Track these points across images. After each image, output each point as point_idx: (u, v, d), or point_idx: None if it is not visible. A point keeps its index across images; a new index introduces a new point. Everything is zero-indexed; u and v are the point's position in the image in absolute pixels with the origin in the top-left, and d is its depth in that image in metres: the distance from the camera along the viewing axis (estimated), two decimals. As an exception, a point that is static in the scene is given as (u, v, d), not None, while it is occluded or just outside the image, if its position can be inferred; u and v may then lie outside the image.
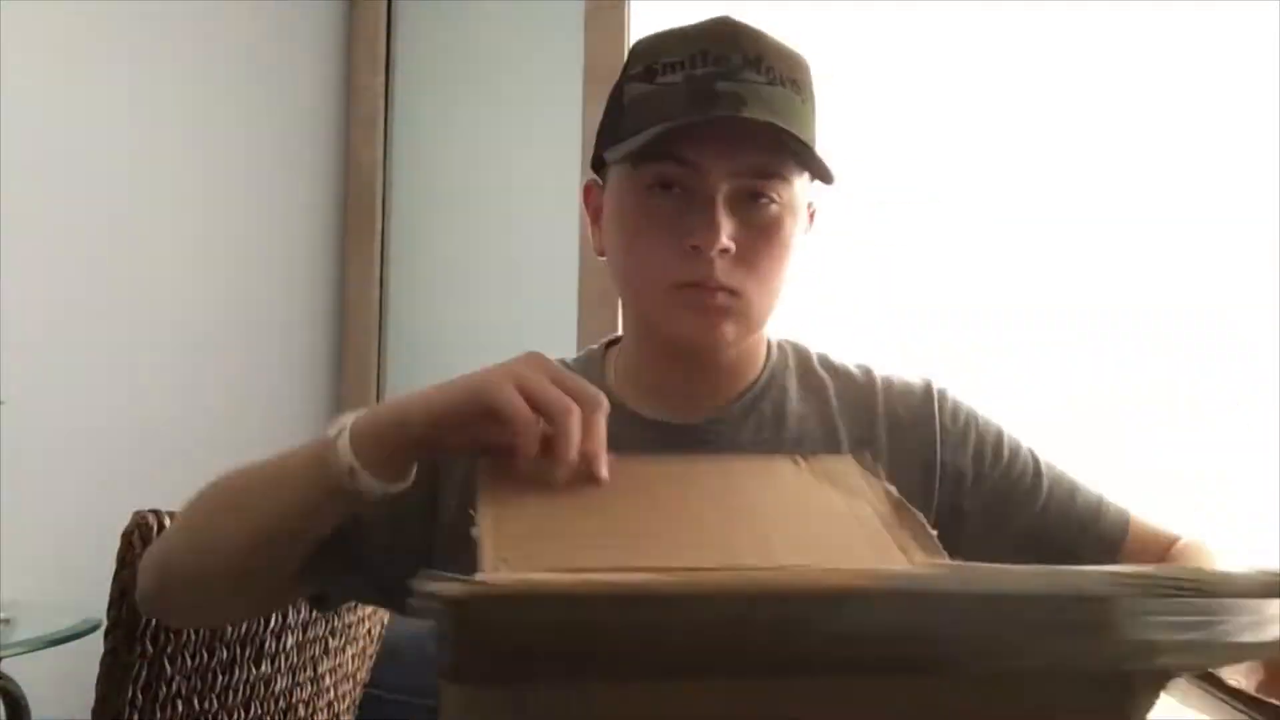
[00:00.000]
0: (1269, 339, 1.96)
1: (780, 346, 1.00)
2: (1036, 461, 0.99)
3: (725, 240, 0.84)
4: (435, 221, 2.81)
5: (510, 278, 2.65)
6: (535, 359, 0.77)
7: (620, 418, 0.91)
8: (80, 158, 2.24)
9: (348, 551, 0.88)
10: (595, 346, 1.02)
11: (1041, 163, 2.16)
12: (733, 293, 0.87)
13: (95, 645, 1.14)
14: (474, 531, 0.65)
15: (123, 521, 1.10)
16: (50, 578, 2.01)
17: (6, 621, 1.73)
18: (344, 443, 0.77)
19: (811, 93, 0.91)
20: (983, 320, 2.14)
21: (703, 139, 0.85)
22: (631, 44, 0.93)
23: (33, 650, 1.65)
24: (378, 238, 2.82)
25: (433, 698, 0.96)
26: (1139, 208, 2.10)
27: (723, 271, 0.85)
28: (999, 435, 0.99)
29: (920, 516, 0.68)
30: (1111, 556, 0.95)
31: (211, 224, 2.52)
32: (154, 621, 1.05)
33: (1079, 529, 0.97)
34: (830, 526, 0.69)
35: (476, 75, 2.76)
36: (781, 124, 0.84)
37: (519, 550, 0.62)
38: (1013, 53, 2.20)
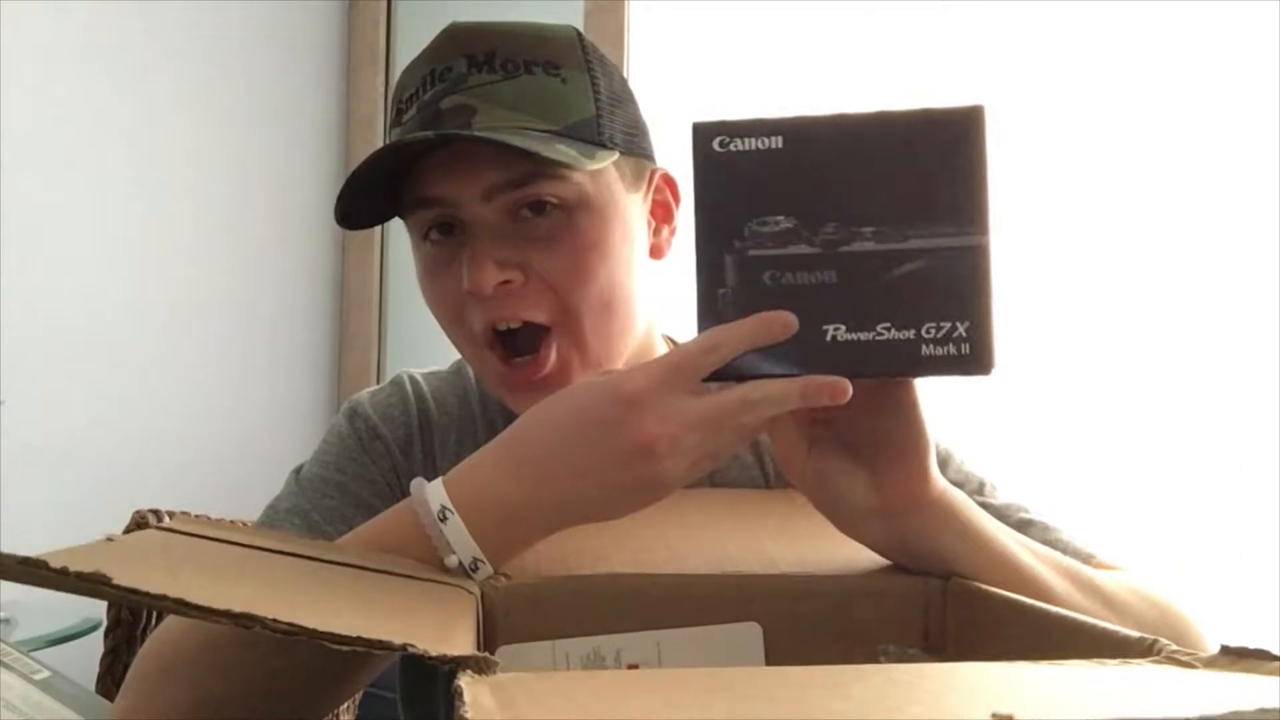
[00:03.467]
0: (1269, 339, 1.96)
1: (672, 343, 0.89)
2: (982, 484, 0.85)
3: (498, 273, 0.73)
4: (435, 221, 2.81)
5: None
6: (663, 382, 0.58)
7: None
8: (80, 157, 2.24)
9: None
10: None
11: (1041, 163, 2.16)
12: (557, 326, 0.75)
13: (95, 645, 1.14)
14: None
15: (123, 521, 1.10)
16: (50, 577, 2.01)
17: (6, 621, 1.73)
18: (458, 535, 0.59)
19: (580, 64, 0.78)
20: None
21: (445, 169, 0.74)
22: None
23: (33, 650, 1.65)
24: (378, 237, 2.82)
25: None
26: (1139, 207, 2.10)
27: (526, 306, 0.74)
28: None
29: None
30: None
31: (211, 223, 2.52)
32: (154, 621, 1.05)
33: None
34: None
35: (476, 75, 2.76)
36: (526, 120, 0.74)
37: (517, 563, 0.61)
38: (1012, 52, 2.20)
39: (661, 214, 0.85)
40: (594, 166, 0.74)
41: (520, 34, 0.77)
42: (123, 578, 0.41)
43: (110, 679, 1.07)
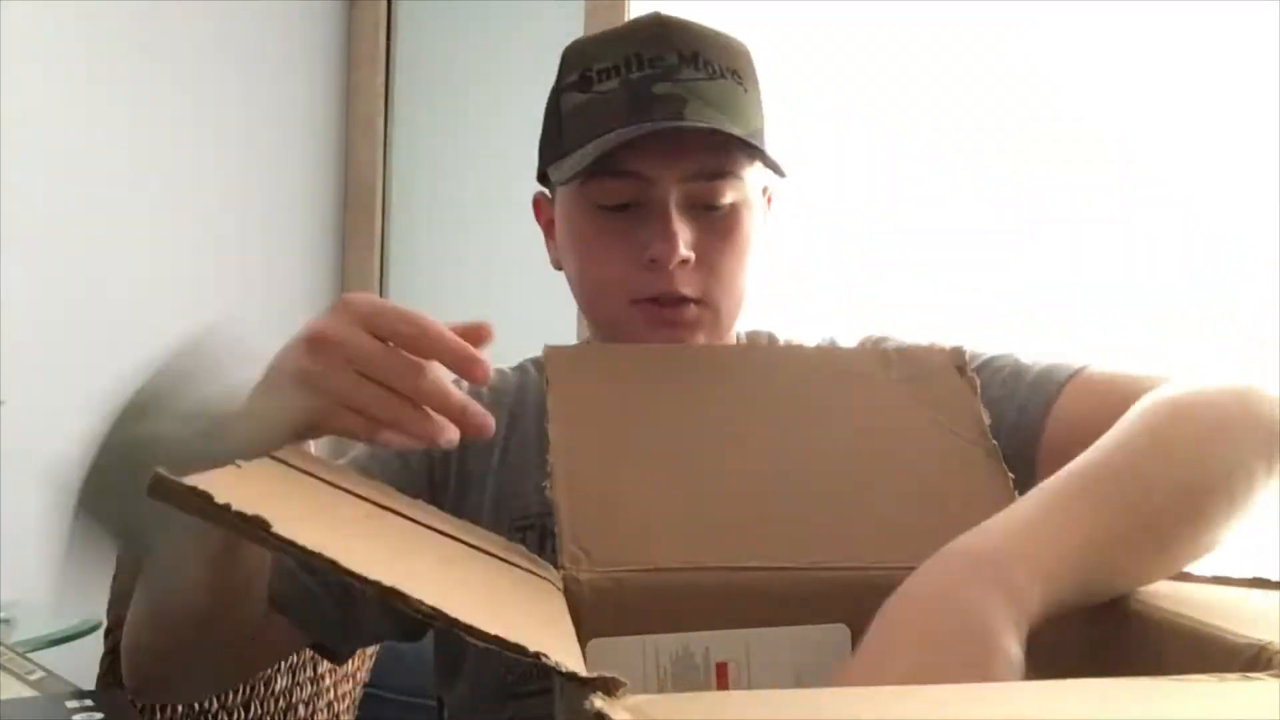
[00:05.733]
0: (1269, 340, 1.96)
1: (744, 339, 0.96)
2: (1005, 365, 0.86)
3: (684, 250, 0.81)
4: (435, 221, 2.81)
5: (510, 277, 2.65)
6: (342, 308, 0.66)
7: None
8: (79, 157, 2.24)
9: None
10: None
11: (1041, 163, 2.16)
12: (699, 303, 0.83)
13: (95, 645, 1.14)
14: (546, 485, 0.62)
15: (122, 521, 1.11)
16: (50, 578, 2.01)
17: (6, 622, 1.73)
18: None
19: (755, 79, 0.88)
20: (982, 319, 2.14)
21: (647, 148, 0.81)
22: (564, 50, 0.91)
23: (33, 650, 1.65)
24: (378, 238, 2.82)
25: (432, 698, 0.97)
26: (1139, 208, 2.10)
27: (685, 282, 0.82)
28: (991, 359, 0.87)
29: (998, 451, 0.65)
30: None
31: (211, 223, 2.52)
32: (154, 621, 1.05)
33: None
34: (924, 482, 0.64)
35: (476, 75, 2.76)
36: (726, 122, 0.81)
37: (596, 540, 0.60)
38: (1011, 51, 2.19)
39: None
40: (782, 177, 0.85)
41: (718, 41, 0.86)
42: (281, 527, 0.41)
43: (110, 679, 1.07)
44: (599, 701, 0.35)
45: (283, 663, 1.22)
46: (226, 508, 0.41)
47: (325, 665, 1.30)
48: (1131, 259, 2.11)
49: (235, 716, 1.16)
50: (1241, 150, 2.04)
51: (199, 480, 0.42)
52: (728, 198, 0.84)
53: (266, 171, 2.66)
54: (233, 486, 0.44)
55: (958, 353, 0.72)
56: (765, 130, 0.88)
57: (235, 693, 1.16)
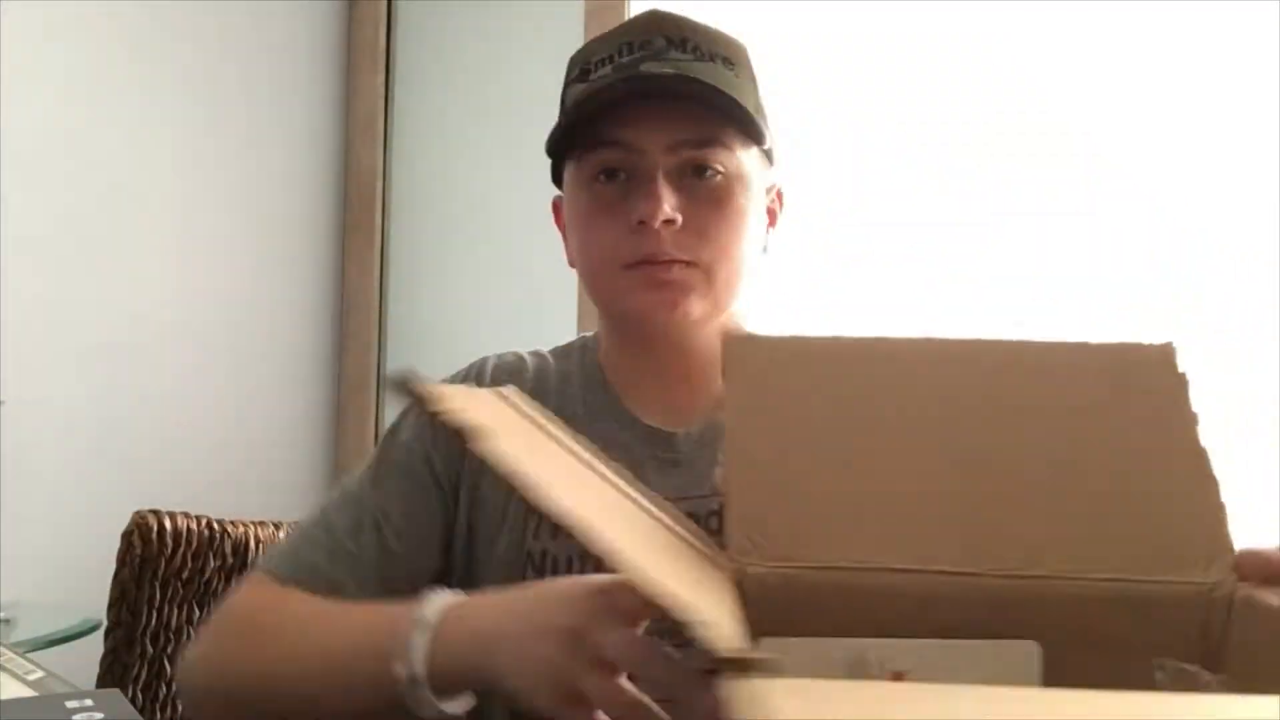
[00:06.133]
0: (1269, 339, 1.96)
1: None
2: None
3: (669, 211, 0.84)
4: (435, 220, 2.81)
5: (510, 277, 2.65)
6: (595, 605, 0.60)
7: (622, 419, 0.90)
8: (80, 156, 2.24)
9: None
10: (589, 334, 1.00)
11: (1007, 156, 2.16)
12: (688, 264, 0.86)
13: (95, 645, 1.14)
14: (717, 473, 0.61)
15: (123, 521, 1.11)
16: (50, 578, 2.01)
17: (6, 621, 1.73)
18: (419, 653, 0.66)
19: (749, 71, 0.92)
20: (948, 311, 2.14)
21: (637, 120, 0.85)
22: (570, 58, 0.95)
23: (33, 650, 1.65)
24: (378, 237, 2.82)
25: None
26: (1104, 201, 2.10)
27: (673, 244, 0.85)
28: None
29: (1207, 454, 0.60)
30: None
31: (212, 223, 2.52)
32: (154, 621, 1.05)
33: None
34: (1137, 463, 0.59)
35: (476, 75, 2.76)
36: (710, 84, 0.85)
37: (768, 532, 0.56)
38: (977, 45, 2.19)
39: (769, 219, 0.95)
40: (766, 145, 0.90)
41: (709, 32, 0.90)
42: (493, 444, 0.43)
43: (110, 679, 1.07)
44: (763, 684, 0.35)
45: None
46: (449, 412, 0.42)
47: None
48: (1097, 252, 2.11)
49: (235, 716, 1.16)
50: (1206, 143, 2.04)
51: (434, 388, 0.44)
52: (717, 165, 0.87)
53: (267, 172, 2.66)
54: (464, 403, 0.45)
55: (1168, 348, 0.65)
56: (765, 123, 0.91)
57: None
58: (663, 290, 0.86)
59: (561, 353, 0.98)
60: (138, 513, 1.09)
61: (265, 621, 0.81)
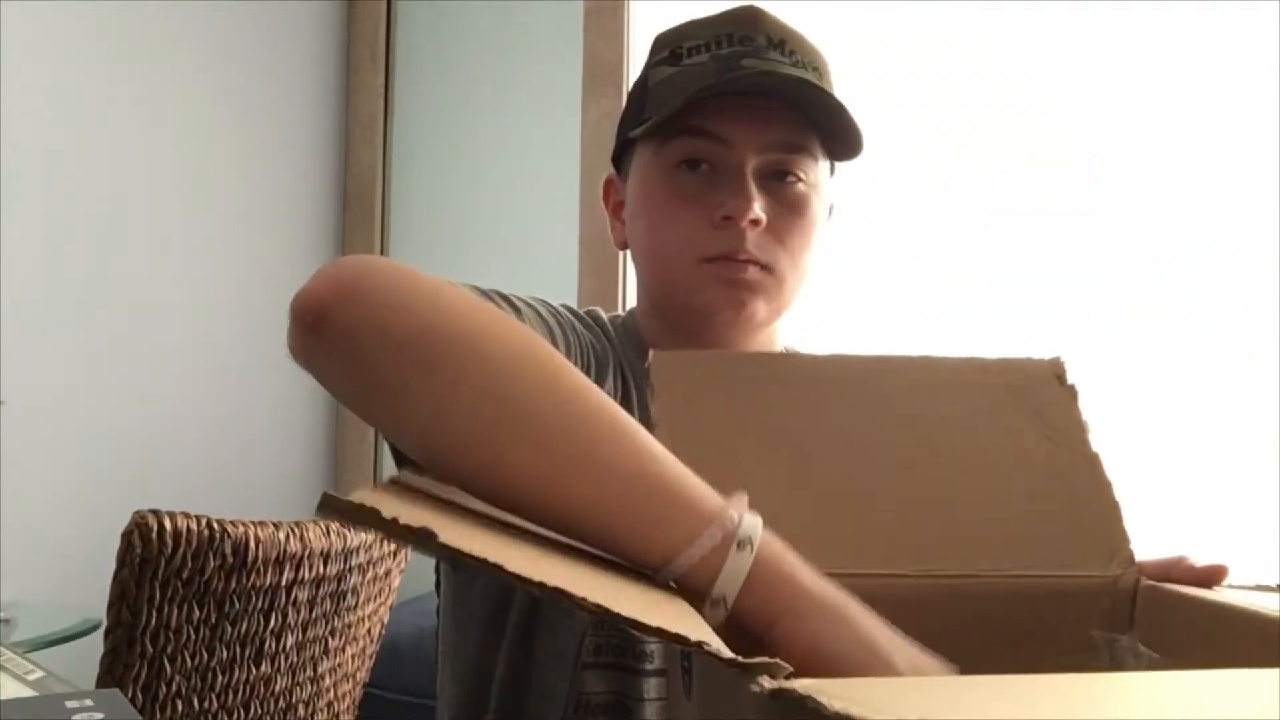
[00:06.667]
0: (1269, 339, 1.96)
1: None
2: None
3: (758, 210, 0.83)
4: (435, 220, 2.81)
5: (510, 277, 2.65)
6: None
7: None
8: (80, 156, 2.24)
9: None
10: (620, 314, 0.99)
11: (1007, 156, 2.16)
12: (764, 267, 0.85)
13: (95, 645, 1.14)
14: None
15: (123, 521, 1.11)
16: (50, 578, 2.01)
17: (6, 621, 1.73)
18: (738, 566, 0.53)
19: (831, 84, 0.91)
20: (947, 311, 2.14)
21: (732, 114, 0.85)
22: (655, 37, 0.94)
23: (33, 650, 1.65)
24: (378, 237, 2.82)
25: (432, 697, 0.97)
26: (1104, 201, 2.10)
27: (754, 244, 0.84)
28: None
29: (1099, 459, 0.66)
30: None
31: (211, 222, 2.52)
32: (154, 621, 1.05)
33: None
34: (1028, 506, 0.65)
35: (476, 74, 2.76)
36: (811, 89, 0.84)
37: None
38: (977, 45, 2.19)
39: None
40: (853, 158, 0.91)
41: (804, 41, 0.91)
42: (446, 537, 0.44)
43: (110, 679, 1.07)
44: (768, 683, 0.35)
45: (283, 661, 1.22)
46: (394, 521, 0.43)
47: (325, 665, 1.30)
48: (1096, 252, 2.11)
49: (235, 716, 1.16)
50: (1206, 143, 2.04)
51: (364, 497, 0.45)
52: (801, 177, 0.87)
53: (267, 171, 2.66)
54: (396, 504, 0.46)
55: (1057, 363, 0.72)
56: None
57: (235, 693, 1.16)
58: (735, 289, 0.85)
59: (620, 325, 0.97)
60: (138, 513, 1.08)
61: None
